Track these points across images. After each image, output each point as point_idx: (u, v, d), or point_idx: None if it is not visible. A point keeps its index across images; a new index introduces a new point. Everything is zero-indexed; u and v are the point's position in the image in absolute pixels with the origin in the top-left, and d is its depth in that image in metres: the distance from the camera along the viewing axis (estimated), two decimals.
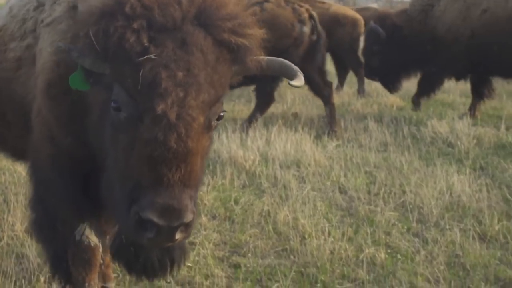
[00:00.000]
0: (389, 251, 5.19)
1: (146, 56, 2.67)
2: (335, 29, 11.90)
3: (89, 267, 3.82)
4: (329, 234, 5.37)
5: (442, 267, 4.87)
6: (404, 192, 6.58)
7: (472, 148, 8.43)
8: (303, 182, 6.90)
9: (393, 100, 11.78)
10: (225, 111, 2.99)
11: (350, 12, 13.03)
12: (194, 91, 2.69)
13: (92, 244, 3.77)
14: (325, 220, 5.72)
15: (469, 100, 11.50)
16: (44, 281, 4.42)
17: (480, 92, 10.82)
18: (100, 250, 3.84)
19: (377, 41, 10.77)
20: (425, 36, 10.43)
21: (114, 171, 2.95)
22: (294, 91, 12.59)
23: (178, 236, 2.66)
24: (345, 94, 13.03)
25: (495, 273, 4.84)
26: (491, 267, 4.91)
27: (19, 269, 4.65)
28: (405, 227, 5.71)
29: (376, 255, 5.03)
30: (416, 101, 10.94)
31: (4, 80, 4.12)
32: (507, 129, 9.47)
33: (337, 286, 4.62)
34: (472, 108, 10.79)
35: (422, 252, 5.12)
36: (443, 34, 10.21)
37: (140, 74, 2.66)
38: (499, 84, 12.02)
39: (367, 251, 5.06)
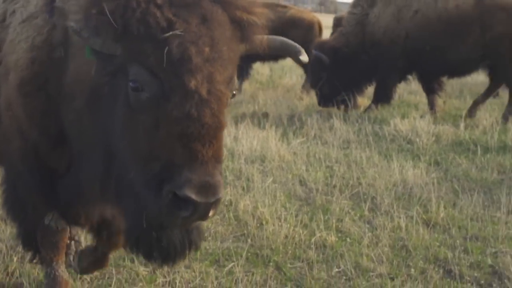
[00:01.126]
0: (339, 235, 5.61)
1: (171, 32, 2.63)
2: (290, 31, 12.24)
3: (57, 249, 4.05)
4: (286, 220, 5.75)
5: (386, 249, 5.29)
6: (360, 184, 7.01)
7: (430, 145, 8.89)
8: (266, 175, 7.28)
9: (361, 101, 12.21)
10: (237, 89, 3.03)
11: (307, 15, 13.69)
12: (219, 66, 2.71)
13: (59, 229, 3.96)
14: (283, 208, 6.11)
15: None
16: (17, 260, 4.76)
17: (430, 88, 11.36)
18: (67, 232, 4.09)
19: (322, 67, 11.16)
20: (365, 46, 10.97)
21: (128, 154, 2.87)
22: (266, 93, 13.03)
23: (211, 213, 2.68)
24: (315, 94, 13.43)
25: (434, 254, 5.26)
26: (432, 248, 5.34)
27: None
28: (358, 214, 6.13)
29: (327, 238, 5.44)
30: (373, 107, 11.38)
31: None
32: (466, 127, 9.94)
33: (289, 265, 5.00)
34: (431, 105, 11.32)
35: (369, 236, 5.53)
36: (380, 38, 10.82)
37: (166, 51, 2.62)
38: (464, 85, 12.57)
39: (318, 234, 5.46)
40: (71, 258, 4.49)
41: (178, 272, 4.69)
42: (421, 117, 10.27)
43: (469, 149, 8.71)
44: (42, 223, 3.93)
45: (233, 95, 2.95)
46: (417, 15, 10.75)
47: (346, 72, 11.00)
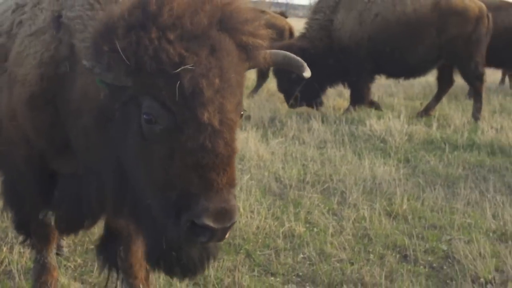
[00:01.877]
0: (307, 225, 6.04)
1: (183, 67, 2.67)
2: None
3: (47, 241, 4.34)
4: (259, 213, 6.17)
5: (349, 237, 5.72)
6: (331, 179, 7.44)
7: (403, 144, 9.34)
8: (244, 173, 7.69)
9: (341, 103, 12.66)
10: (244, 110, 3.06)
11: (280, 21, 14.33)
12: (229, 95, 2.76)
13: (52, 223, 4.17)
14: (257, 202, 6.51)
15: (411, 103, 12.59)
16: (6, 250, 5.17)
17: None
18: None
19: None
20: (332, 50, 11.46)
21: (144, 182, 2.94)
22: (250, 96, 13.44)
23: (227, 235, 2.79)
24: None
25: (393, 241, 5.69)
26: (392, 236, 5.78)
27: None
28: (327, 207, 6.55)
29: (296, 228, 5.86)
30: (350, 109, 11.85)
31: None
32: (438, 127, 10.41)
33: (258, 252, 5.42)
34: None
35: (335, 226, 5.96)
36: (347, 42, 11.37)
37: (178, 85, 2.66)
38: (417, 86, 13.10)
39: (287, 225, 5.89)
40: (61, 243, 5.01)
41: None
42: (398, 117, 10.70)
43: (439, 147, 9.20)
44: (36, 217, 4.17)
45: (241, 116, 2.98)
46: (377, 18, 11.40)
47: (316, 72, 11.39)
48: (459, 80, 12.51)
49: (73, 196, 3.76)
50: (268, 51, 3.12)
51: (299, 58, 3.32)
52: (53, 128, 3.60)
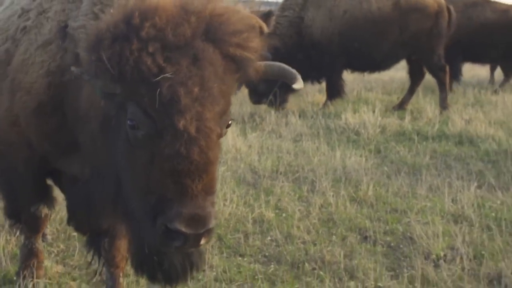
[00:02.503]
0: (277, 211, 6.42)
1: (162, 76, 2.76)
2: None
3: (36, 231, 4.66)
4: (232, 201, 6.54)
5: (315, 221, 6.10)
6: (303, 170, 7.82)
7: (375, 136, 9.75)
8: (221, 165, 8.07)
9: (320, 98, 13.07)
10: (232, 119, 3.15)
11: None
12: (209, 104, 2.81)
13: (42, 215, 4.48)
14: (231, 191, 6.89)
15: (389, 97, 13.05)
16: None
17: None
18: (48, 218, 4.70)
19: None
20: (302, 46, 11.86)
21: (131, 185, 3.06)
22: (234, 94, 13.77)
23: (203, 241, 2.84)
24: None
25: (356, 224, 6.08)
26: (356, 220, 6.17)
27: None
28: (297, 195, 6.94)
29: (265, 214, 6.24)
30: (328, 103, 12.29)
31: None
32: (412, 119, 10.83)
33: (229, 236, 5.79)
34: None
35: (302, 211, 6.35)
36: (318, 38, 11.82)
37: (157, 93, 2.75)
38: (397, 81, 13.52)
39: (258, 211, 6.27)
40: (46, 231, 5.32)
41: None
42: (373, 111, 11.10)
43: (410, 138, 9.59)
44: (28, 210, 4.44)
45: (228, 125, 3.08)
46: (346, 15, 11.91)
47: None
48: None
49: (82, 199, 3.88)
50: (262, 62, 3.17)
51: (293, 70, 3.37)
52: (60, 132, 3.75)
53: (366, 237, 5.82)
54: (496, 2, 15.22)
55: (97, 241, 4.37)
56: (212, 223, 2.80)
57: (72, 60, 3.53)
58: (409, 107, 12.19)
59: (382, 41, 11.89)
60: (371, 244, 5.66)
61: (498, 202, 6.68)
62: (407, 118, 10.77)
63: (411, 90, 12.71)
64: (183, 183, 2.74)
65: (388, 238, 5.78)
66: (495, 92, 14.13)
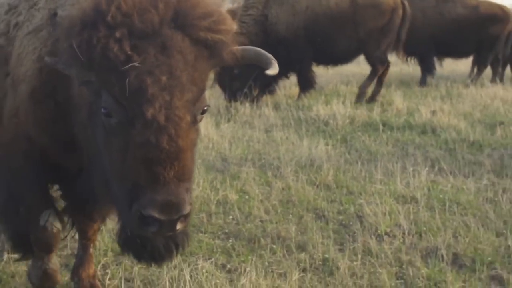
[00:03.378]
0: (240, 194, 6.86)
1: (130, 65, 2.75)
2: None
3: (50, 249, 4.20)
4: (199, 185, 6.99)
5: (275, 202, 6.56)
6: (270, 157, 8.28)
7: (344, 126, 10.23)
8: None
9: (295, 91, 13.54)
10: (208, 105, 3.13)
11: None
12: (178, 92, 2.80)
13: (54, 230, 4.09)
14: (200, 177, 7.33)
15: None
16: None
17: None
18: (61, 234, 4.26)
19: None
20: (270, 44, 12.23)
21: (110, 172, 3.08)
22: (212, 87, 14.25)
23: (178, 226, 2.85)
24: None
25: (313, 205, 6.54)
26: (313, 202, 6.62)
27: None
28: (262, 180, 7.39)
29: (229, 196, 6.68)
30: (301, 96, 12.89)
31: None
32: (382, 111, 11.32)
33: (194, 216, 6.21)
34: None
35: (264, 193, 6.81)
36: (284, 34, 12.32)
37: (126, 82, 2.75)
38: (390, 75, 14.00)
39: (222, 193, 6.72)
40: None
41: None
42: (343, 103, 11.60)
43: (376, 128, 10.06)
44: (37, 224, 4.04)
45: (204, 111, 3.06)
46: (307, 10, 12.46)
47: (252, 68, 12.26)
48: (408, 69, 13.42)
49: (79, 187, 3.91)
50: (238, 47, 3.15)
51: (268, 54, 3.32)
52: (55, 124, 3.70)
53: (321, 216, 6.27)
54: None
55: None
56: (187, 209, 2.81)
57: None
58: (380, 99, 12.68)
59: (340, 36, 12.47)
60: (324, 222, 6.11)
61: (449, 185, 7.14)
62: (376, 110, 11.27)
63: (379, 81, 13.24)
64: (155, 171, 2.76)
65: (341, 217, 6.23)
66: (467, 85, 14.61)
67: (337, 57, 12.98)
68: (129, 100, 2.80)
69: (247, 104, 11.75)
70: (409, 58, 15.58)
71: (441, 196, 6.76)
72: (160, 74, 2.78)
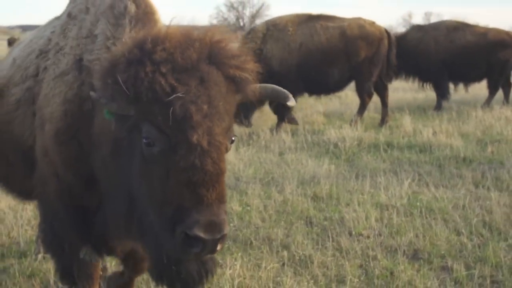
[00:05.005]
0: (244, 206, 7.94)
1: (174, 95, 2.99)
2: None
3: (91, 280, 4.45)
4: None
5: (272, 212, 7.63)
6: (277, 175, 9.36)
7: (352, 147, 11.24)
8: None
9: (315, 119, 14.63)
10: (236, 136, 3.37)
11: None
12: (217, 120, 3.06)
13: (93, 261, 4.37)
14: None
15: (378, 115, 14.49)
16: (16, 228, 7.18)
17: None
18: (100, 264, 4.55)
19: None
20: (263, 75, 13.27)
21: (147, 200, 3.23)
22: None
23: (219, 247, 3.03)
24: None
25: (306, 214, 7.57)
26: (306, 212, 7.64)
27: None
28: (266, 194, 8.46)
29: (234, 208, 7.76)
30: (281, 124, 13.67)
31: (5, 123, 4.56)
32: (390, 134, 12.32)
33: None
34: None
35: (265, 205, 7.88)
36: (278, 69, 13.12)
37: (171, 111, 2.96)
38: (403, 101, 14.96)
39: (228, 206, 7.74)
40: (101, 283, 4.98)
41: None
42: (355, 127, 12.63)
43: (381, 149, 11.04)
44: (78, 257, 4.33)
45: (232, 141, 3.31)
46: (302, 47, 13.42)
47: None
48: (420, 96, 14.31)
49: (97, 224, 4.08)
50: (257, 85, 3.43)
51: (284, 90, 3.62)
52: (78, 162, 3.92)
53: (308, 222, 7.30)
54: (475, 26, 16.72)
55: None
56: (227, 229, 3.02)
57: (88, 90, 3.70)
58: (390, 122, 13.67)
59: (333, 69, 13.42)
60: (310, 227, 7.15)
61: (430, 195, 8.10)
62: (384, 132, 12.31)
63: (384, 104, 14.28)
64: (199, 193, 2.93)
65: (325, 222, 7.25)
66: (476, 108, 15.32)
67: (329, 88, 13.95)
68: (172, 128, 3.01)
69: (267, 131, 12.83)
70: (424, 84, 16.42)
71: (418, 204, 7.72)
72: (202, 103, 3.04)
